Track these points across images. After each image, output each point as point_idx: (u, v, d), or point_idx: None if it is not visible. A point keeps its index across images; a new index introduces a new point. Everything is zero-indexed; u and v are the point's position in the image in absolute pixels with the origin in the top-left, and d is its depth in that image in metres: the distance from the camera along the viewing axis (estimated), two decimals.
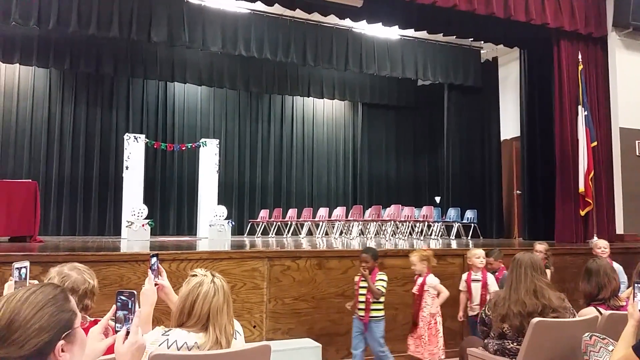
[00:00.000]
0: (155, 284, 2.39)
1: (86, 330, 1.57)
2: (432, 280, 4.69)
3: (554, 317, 3.00)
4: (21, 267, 2.24)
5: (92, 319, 2.29)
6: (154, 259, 2.41)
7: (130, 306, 1.66)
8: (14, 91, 11.64)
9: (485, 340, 3.28)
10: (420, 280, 4.71)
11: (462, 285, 5.02)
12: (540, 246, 5.55)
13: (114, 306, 1.68)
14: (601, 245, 5.68)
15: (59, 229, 11.59)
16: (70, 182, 11.89)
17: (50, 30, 9.10)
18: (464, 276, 5.06)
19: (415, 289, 4.75)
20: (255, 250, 5.70)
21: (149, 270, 2.39)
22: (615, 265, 5.18)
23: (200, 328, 2.18)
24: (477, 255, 5.01)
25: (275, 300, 4.96)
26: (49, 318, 1.34)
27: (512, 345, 3.08)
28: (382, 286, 4.42)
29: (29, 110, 11.74)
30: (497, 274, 5.16)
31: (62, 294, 1.42)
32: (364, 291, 4.43)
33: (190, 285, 2.23)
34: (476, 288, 4.93)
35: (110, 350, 1.70)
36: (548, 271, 5.15)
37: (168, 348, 2.12)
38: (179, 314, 2.22)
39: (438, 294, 4.66)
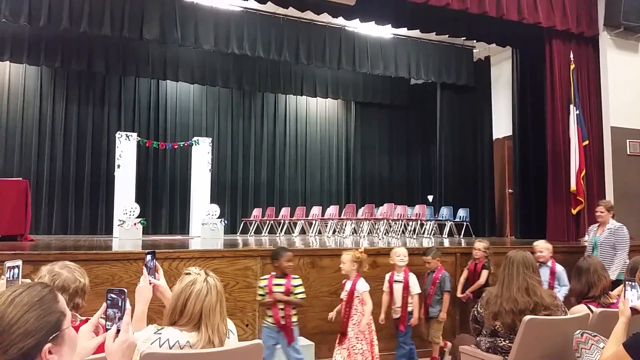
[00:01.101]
0: (150, 282, 2.37)
1: (76, 329, 1.56)
2: (361, 286, 4.34)
3: (545, 315, 3.02)
4: (13, 266, 2.22)
5: (83, 318, 2.28)
6: (149, 257, 2.39)
7: (120, 304, 1.65)
8: (4, 89, 11.54)
9: (478, 338, 3.30)
10: (349, 285, 4.39)
11: (385, 286, 4.87)
12: (480, 244, 5.42)
13: (104, 304, 1.67)
14: (538, 250, 5.14)
15: (50, 228, 11.52)
16: (61, 181, 11.81)
17: (41, 27, 9.02)
18: (387, 276, 4.91)
19: (343, 295, 4.44)
20: (247, 248, 5.69)
21: (144, 267, 2.37)
22: (559, 267, 5.15)
23: (193, 327, 2.17)
24: (398, 254, 4.84)
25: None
26: (35, 322, 1.30)
27: (504, 342, 3.09)
28: (301, 292, 4.22)
29: (19, 109, 11.65)
30: (435, 273, 5.12)
31: (51, 294, 1.39)
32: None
33: (183, 283, 2.22)
34: (397, 289, 4.80)
35: (100, 348, 1.69)
36: (486, 272, 5.20)
37: (160, 347, 2.11)
38: (171, 313, 2.20)
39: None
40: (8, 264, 2.23)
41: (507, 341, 3.08)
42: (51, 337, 1.32)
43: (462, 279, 5.50)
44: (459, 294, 5.42)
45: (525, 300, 3.04)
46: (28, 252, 4.56)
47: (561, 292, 4.97)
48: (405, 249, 5.00)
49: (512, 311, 3.03)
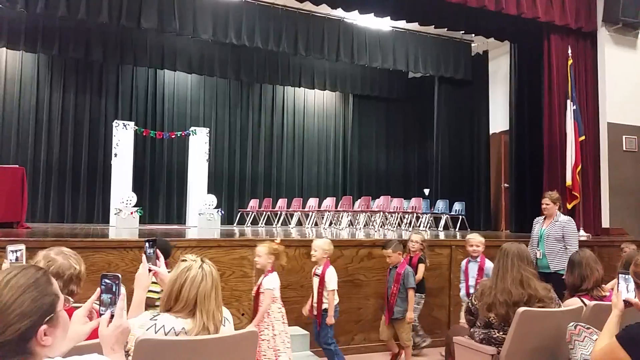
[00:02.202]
0: (150, 270, 2.37)
1: (70, 313, 1.56)
2: (268, 283, 3.91)
3: (539, 307, 3.04)
4: (16, 250, 2.23)
5: (78, 305, 2.28)
6: (147, 244, 2.40)
7: (114, 289, 1.66)
8: (0, 76, 11.48)
9: (472, 330, 3.31)
10: (261, 279, 4.03)
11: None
12: (416, 236, 5.21)
13: (98, 289, 1.67)
14: (473, 243, 4.98)
15: (46, 216, 11.50)
16: (58, 169, 11.78)
17: (38, 14, 8.97)
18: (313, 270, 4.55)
19: (254, 290, 4.16)
20: (244, 238, 5.71)
21: (143, 255, 2.37)
22: (489, 263, 4.76)
23: (188, 313, 2.17)
24: (317, 247, 4.39)
25: None
26: (31, 303, 1.31)
27: (498, 334, 3.11)
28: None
29: (16, 96, 11.59)
30: (397, 269, 4.74)
31: (45, 276, 1.39)
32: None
33: (179, 270, 2.23)
34: (315, 283, 4.42)
35: (94, 333, 1.69)
36: (422, 265, 5.04)
37: (155, 333, 2.12)
38: (166, 299, 2.21)
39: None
40: (10, 247, 2.24)
41: (501, 332, 3.10)
42: (46, 319, 1.33)
43: None
44: None
45: (519, 292, 3.05)
46: (24, 239, 4.56)
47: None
48: (328, 240, 4.59)
49: (506, 302, 3.03)
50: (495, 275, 3.21)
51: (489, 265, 4.76)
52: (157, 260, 2.41)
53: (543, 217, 5.51)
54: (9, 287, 1.31)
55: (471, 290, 4.73)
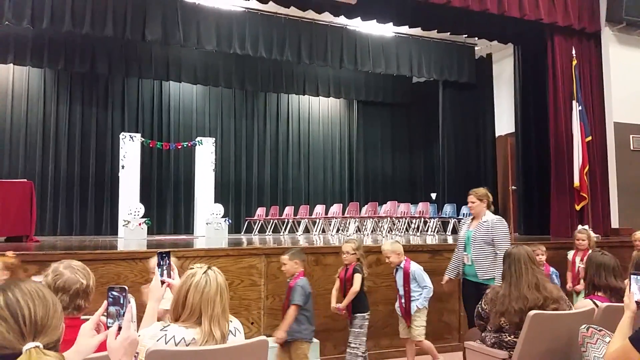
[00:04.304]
0: (162, 282, 2.35)
1: (78, 326, 1.58)
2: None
3: (554, 309, 3.01)
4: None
5: (86, 318, 2.28)
6: (160, 257, 2.39)
7: (121, 301, 1.65)
8: (8, 91, 11.59)
9: (483, 334, 3.29)
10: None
11: None
12: (348, 245, 4.43)
13: (105, 302, 1.68)
14: (386, 254, 4.68)
15: (55, 229, 11.56)
16: (66, 182, 11.85)
17: (44, 29, 9.06)
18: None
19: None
20: (252, 247, 5.71)
21: (156, 266, 2.38)
22: (414, 266, 4.63)
23: (195, 322, 2.18)
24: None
25: (273, 297, 4.97)
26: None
27: (509, 338, 3.09)
28: None
29: (23, 110, 11.69)
30: (291, 281, 4.06)
31: (55, 296, 1.51)
32: None
33: (184, 277, 2.25)
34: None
35: (102, 346, 1.69)
36: (358, 276, 4.31)
37: (166, 343, 2.12)
38: (174, 307, 2.22)
39: None
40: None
41: (512, 337, 3.07)
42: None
43: (334, 291, 4.52)
44: (332, 306, 4.43)
45: (535, 297, 2.99)
46: (33, 253, 4.59)
47: (423, 294, 4.52)
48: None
49: (522, 310, 2.96)
50: (507, 282, 3.13)
51: (415, 267, 4.59)
52: (171, 272, 2.42)
53: (471, 217, 4.80)
54: (44, 296, 1.43)
55: (402, 301, 4.56)
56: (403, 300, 4.57)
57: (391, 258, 4.60)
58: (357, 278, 4.28)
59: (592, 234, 5.89)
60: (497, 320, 3.09)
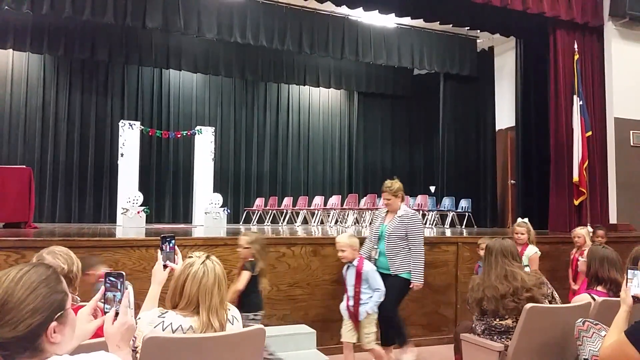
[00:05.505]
0: (165, 266, 2.38)
1: (75, 312, 1.57)
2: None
3: (528, 297, 3.12)
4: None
5: (83, 303, 2.28)
6: (164, 241, 2.41)
7: (119, 287, 1.66)
8: (7, 77, 11.55)
9: (473, 325, 3.37)
10: None
11: None
12: (243, 239, 4.03)
13: (102, 287, 1.68)
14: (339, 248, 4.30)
15: (54, 216, 11.56)
16: (65, 169, 11.84)
17: (44, 15, 9.01)
18: None
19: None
20: None
21: (159, 250, 2.39)
22: (368, 266, 4.23)
23: (193, 311, 2.18)
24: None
25: (271, 287, 4.95)
26: (42, 299, 1.33)
27: (495, 321, 3.18)
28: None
29: (23, 97, 11.66)
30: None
31: (54, 274, 1.41)
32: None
33: (182, 266, 2.25)
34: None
35: (99, 331, 1.69)
36: (246, 273, 3.92)
37: (163, 330, 2.13)
38: (171, 295, 2.23)
39: None
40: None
41: (497, 319, 3.18)
42: (56, 316, 1.34)
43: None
44: None
45: (505, 286, 3.16)
46: (32, 239, 4.58)
47: (373, 298, 4.12)
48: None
49: (494, 297, 3.16)
50: (483, 272, 3.37)
51: (368, 268, 4.22)
52: (175, 257, 2.42)
53: (386, 210, 4.70)
54: (21, 284, 1.33)
55: (351, 302, 4.18)
56: (351, 303, 4.18)
57: (346, 252, 4.22)
58: (244, 275, 3.91)
59: (590, 229, 5.92)
60: (479, 306, 3.26)
